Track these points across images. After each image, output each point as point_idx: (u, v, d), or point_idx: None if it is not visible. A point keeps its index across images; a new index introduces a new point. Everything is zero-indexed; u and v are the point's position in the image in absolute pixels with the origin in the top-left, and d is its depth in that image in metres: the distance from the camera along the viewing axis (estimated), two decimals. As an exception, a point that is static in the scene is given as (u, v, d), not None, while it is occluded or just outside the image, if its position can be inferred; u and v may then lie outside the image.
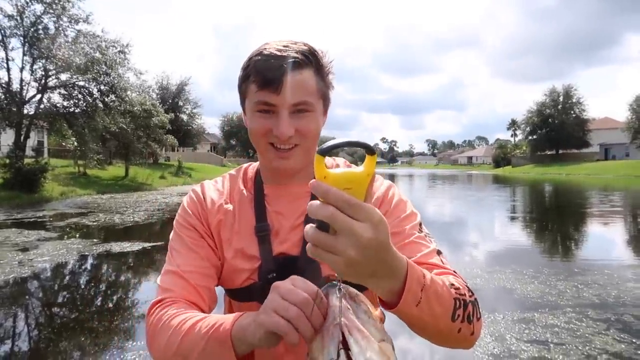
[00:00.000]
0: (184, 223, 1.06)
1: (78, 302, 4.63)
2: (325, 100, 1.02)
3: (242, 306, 1.09)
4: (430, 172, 75.10)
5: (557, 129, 62.08)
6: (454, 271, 0.96)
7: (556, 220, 12.21)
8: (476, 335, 0.86)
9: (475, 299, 0.90)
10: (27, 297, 4.78)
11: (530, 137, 68.19)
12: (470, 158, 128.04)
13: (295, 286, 0.72)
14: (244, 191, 1.10)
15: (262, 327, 0.73)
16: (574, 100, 64.55)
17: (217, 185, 1.13)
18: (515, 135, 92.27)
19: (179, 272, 0.99)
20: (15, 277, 5.25)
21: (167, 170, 32.71)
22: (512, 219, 12.46)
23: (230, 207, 1.08)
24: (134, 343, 3.38)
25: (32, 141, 23.24)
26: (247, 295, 1.07)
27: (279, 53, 0.94)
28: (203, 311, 0.97)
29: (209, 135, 66.06)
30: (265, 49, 0.97)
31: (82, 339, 3.47)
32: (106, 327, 3.79)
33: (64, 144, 27.10)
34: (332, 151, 0.63)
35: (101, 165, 25.12)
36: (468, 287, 0.90)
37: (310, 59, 0.97)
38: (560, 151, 64.94)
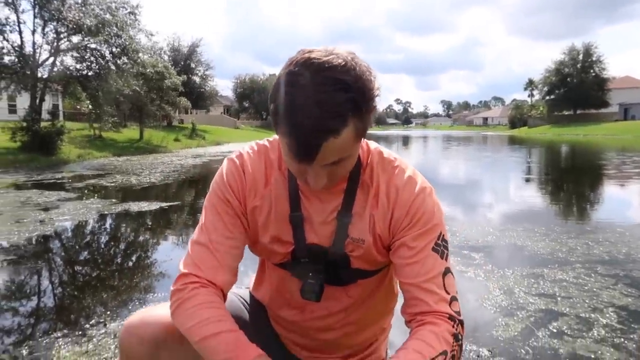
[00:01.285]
0: (222, 196, 1.09)
1: (99, 259, 4.80)
2: (364, 133, 0.94)
3: (275, 268, 1.21)
4: (445, 133, 74.35)
5: (576, 89, 60.70)
6: (452, 297, 1.00)
7: (570, 181, 12.13)
8: None
9: (460, 345, 0.97)
10: (49, 253, 4.96)
11: (547, 97, 66.91)
12: (485, 119, 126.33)
13: None
14: (279, 174, 1.11)
15: None
16: (593, 59, 62.81)
17: (255, 161, 1.11)
18: (532, 95, 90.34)
19: (211, 248, 1.05)
20: (39, 235, 5.44)
21: (181, 133, 32.88)
22: (527, 180, 12.40)
23: (267, 191, 1.11)
24: (154, 295, 3.53)
25: (47, 104, 23.37)
26: (280, 265, 1.19)
27: (311, 124, 0.83)
28: (223, 291, 1.06)
29: (222, 98, 65.81)
30: (297, 94, 0.85)
31: (104, 294, 3.61)
32: (126, 283, 3.93)
33: (78, 107, 27.27)
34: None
35: (116, 127, 25.35)
36: (455, 332, 0.96)
37: (351, 112, 0.86)
38: (579, 111, 63.67)
